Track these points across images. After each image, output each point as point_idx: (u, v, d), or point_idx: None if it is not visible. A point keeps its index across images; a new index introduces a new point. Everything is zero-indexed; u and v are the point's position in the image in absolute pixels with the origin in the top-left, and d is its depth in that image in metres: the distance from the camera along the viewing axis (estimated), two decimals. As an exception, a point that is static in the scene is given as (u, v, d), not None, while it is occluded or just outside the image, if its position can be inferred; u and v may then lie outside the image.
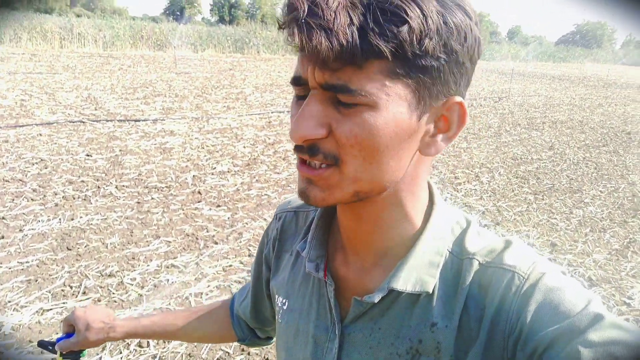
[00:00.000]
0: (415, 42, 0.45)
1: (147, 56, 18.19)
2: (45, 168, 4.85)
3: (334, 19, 0.44)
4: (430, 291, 0.56)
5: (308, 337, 0.67)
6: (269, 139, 6.82)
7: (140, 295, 2.87)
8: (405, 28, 0.44)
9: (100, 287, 2.92)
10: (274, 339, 0.89)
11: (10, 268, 3.02)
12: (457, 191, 5.19)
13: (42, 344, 0.97)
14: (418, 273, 0.56)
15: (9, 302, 2.69)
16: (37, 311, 2.63)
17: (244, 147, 6.31)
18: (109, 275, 3.05)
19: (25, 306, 2.67)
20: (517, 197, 5.13)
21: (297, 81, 0.51)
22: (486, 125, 9.07)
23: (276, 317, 0.75)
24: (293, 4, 0.46)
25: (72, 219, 3.78)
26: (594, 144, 8.20)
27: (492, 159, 6.67)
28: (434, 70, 0.48)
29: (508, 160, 6.64)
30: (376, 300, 0.57)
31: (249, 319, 0.91)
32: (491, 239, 0.58)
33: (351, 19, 0.44)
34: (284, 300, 0.73)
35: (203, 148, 6.08)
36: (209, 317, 0.96)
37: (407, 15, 0.44)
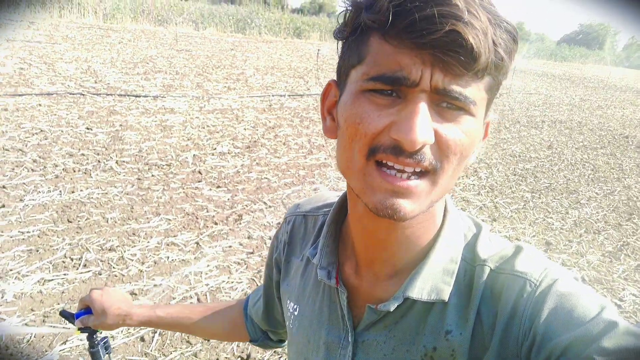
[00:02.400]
0: (511, 61, 0.48)
1: (148, 31, 17.90)
2: (45, 139, 4.82)
3: (487, 26, 0.44)
4: (446, 300, 0.55)
5: (320, 343, 0.67)
6: (270, 122, 6.80)
7: (141, 271, 2.89)
8: (516, 47, 0.48)
9: (101, 260, 2.93)
10: (285, 342, 0.88)
11: (11, 237, 3.02)
12: (456, 185, 5.23)
13: (64, 314, 1.00)
14: (433, 281, 0.56)
15: (11, 270, 2.70)
16: (38, 281, 2.65)
17: (245, 129, 6.29)
18: (110, 250, 3.06)
19: (27, 275, 2.68)
20: (514, 195, 5.18)
21: (395, 81, 0.46)
22: (486, 121, 9.08)
23: (287, 323, 0.75)
24: None
25: (73, 192, 3.77)
26: (592, 145, 8.26)
27: (491, 155, 6.70)
28: (500, 86, 0.51)
29: (507, 157, 6.68)
30: (392, 309, 0.57)
31: (261, 322, 0.91)
32: (502, 245, 0.58)
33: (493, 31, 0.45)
34: (295, 306, 0.72)
35: (204, 128, 6.05)
36: (223, 315, 0.96)
37: (517, 35, 0.47)
